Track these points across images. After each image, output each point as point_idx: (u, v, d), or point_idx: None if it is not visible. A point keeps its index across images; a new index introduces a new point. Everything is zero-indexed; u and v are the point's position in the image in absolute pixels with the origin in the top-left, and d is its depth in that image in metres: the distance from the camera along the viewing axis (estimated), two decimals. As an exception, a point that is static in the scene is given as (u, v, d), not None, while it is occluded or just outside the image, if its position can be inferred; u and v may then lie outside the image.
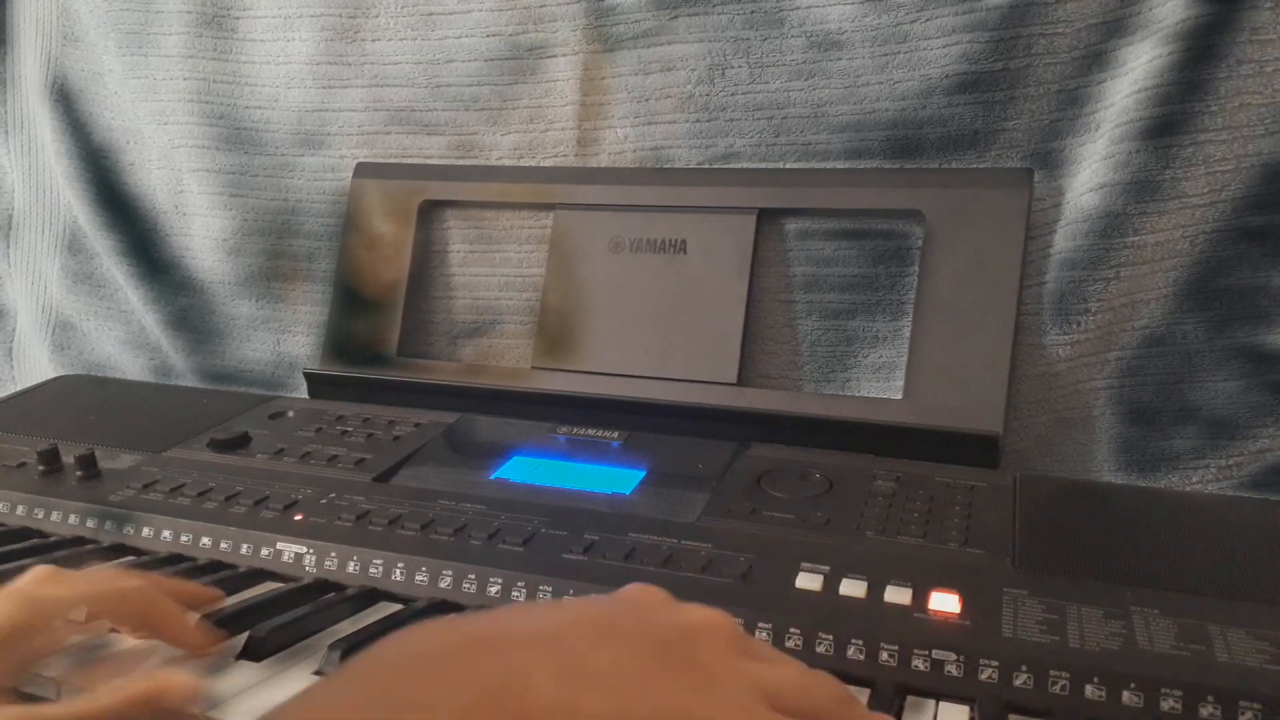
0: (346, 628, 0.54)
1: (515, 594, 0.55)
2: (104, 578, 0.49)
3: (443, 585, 0.57)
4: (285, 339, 0.98)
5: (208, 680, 0.47)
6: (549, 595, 0.55)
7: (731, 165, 0.82)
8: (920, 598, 0.51)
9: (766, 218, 0.79)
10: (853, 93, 0.78)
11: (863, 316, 0.78)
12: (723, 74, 0.81)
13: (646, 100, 0.84)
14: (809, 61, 0.79)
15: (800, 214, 0.79)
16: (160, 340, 1.02)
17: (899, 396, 0.73)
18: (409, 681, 0.26)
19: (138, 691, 0.43)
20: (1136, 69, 0.70)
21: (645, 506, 0.64)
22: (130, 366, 1.05)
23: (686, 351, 0.78)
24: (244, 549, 0.62)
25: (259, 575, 0.61)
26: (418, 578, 0.58)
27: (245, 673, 0.49)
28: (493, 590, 0.56)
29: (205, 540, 0.64)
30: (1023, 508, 0.61)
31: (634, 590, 0.35)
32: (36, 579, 0.47)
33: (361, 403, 0.85)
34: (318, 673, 0.48)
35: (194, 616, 0.50)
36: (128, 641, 0.51)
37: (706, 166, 0.83)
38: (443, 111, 0.91)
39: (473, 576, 0.56)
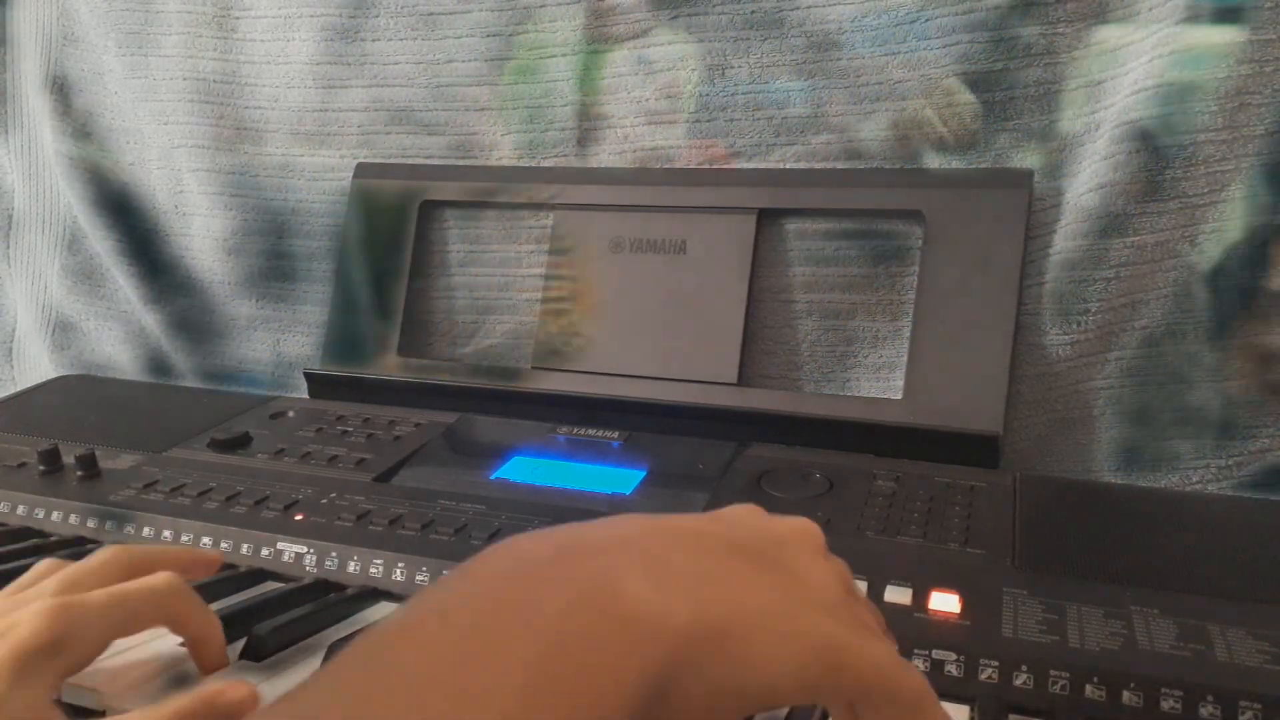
0: (346, 628, 0.54)
1: (515, 594, 0.55)
2: (130, 581, 0.47)
3: (443, 585, 0.57)
4: (285, 339, 0.98)
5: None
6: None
7: (731, 165, 0.82)
8: (920, 598, 0.51)
9: (766, 218, 0.79)
10: (853, 93, 0.78)
11: (863, 316, 0.78)
12: (723, 74, 0.81)
13: (646, 100, 0.84)
14: (809, 61, 0.79)
15: (800, 214, 0.79)
16: (160, 340, 1.02)
17: (899, 396, 0.73)
18: (509, 586, 0.27)
19: (196, 698, 0.42)
20: (1136, 69, 0.70)
21: (645, 506, 0.64)
22: (130, 366, 1.05)
23: (686, 351, 0.78)
24: (244, 549, 0.62)
25: (259, 575, 0.61)
26: (418, 578, 0.58)
27: (245, 673, 0.49)
28: (493, 590, 0.56)
29: (206, 540, 0.64)
30: (1023, 508, 0.61)
31: (724, 509, 0.36)
32: (61, 584, 0.46)
33: (361, 403, 0.85)
34: (318, 673, 0.48)
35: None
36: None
37: (706, 166, 0.83)
38: (443, 111, 0.90)
39: (473, 576, 0.56)
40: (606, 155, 0.86)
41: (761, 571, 0.30)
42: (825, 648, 0.28)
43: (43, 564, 0.49)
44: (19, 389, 1.01)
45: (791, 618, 0.29)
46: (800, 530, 0.34)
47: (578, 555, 0.28)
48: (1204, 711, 0.43)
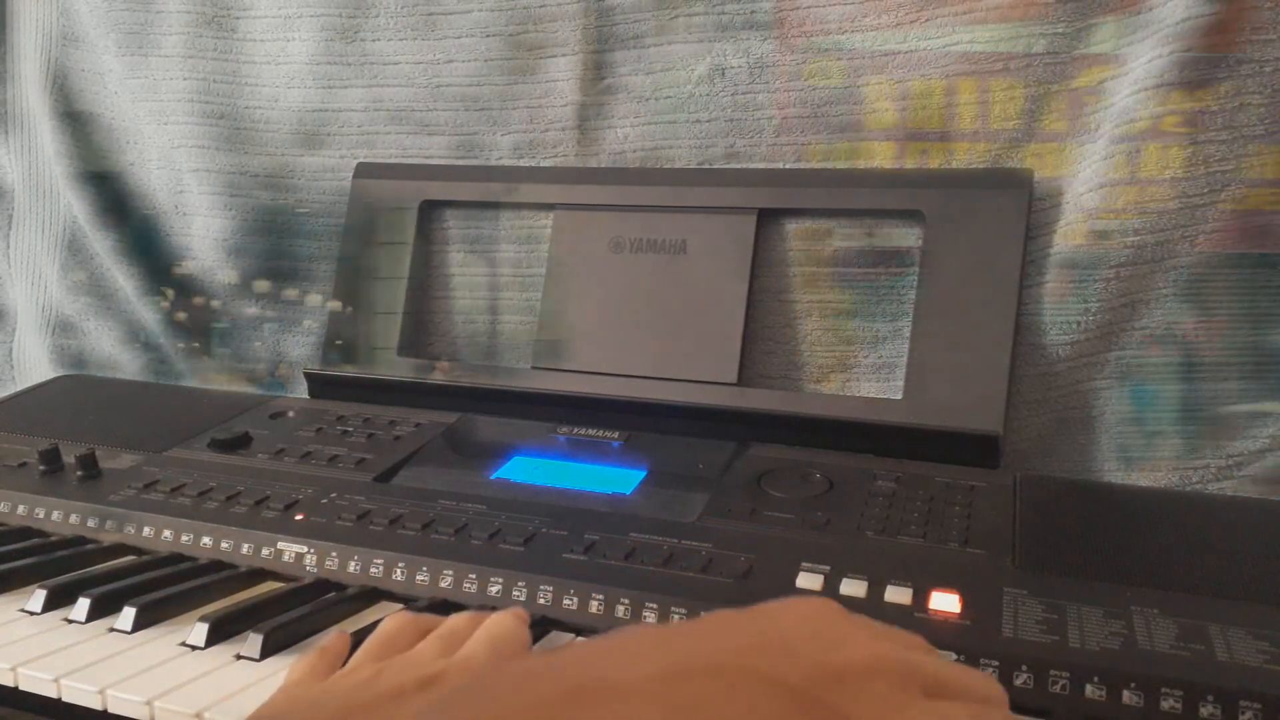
0: (347, 628, 0.54)
1: (515, 594, 0.55)
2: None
3: (443, 585, 0.57)
4: (285, 339, 0.98)
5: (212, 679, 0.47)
6: (549, 595, 0.55)
7: (731, 165, 0.82)
8: (920, 598, 0.51)
9: (766, 218, 0.79)
10: (851, 93, 0.78)
11: (863, 316, 0.78)
12: (723, 74, 0.81)
13: (646, 100, 0.84)
14: (808, 61, 0.79)
15: (800, 214, 0.79)
16: (160, 340, 1.02)
17: (899, 396, 0.73)
18: None
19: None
20: (1136, 69, 0.70)
21: (645, 506, 0.64)
22: (130, 366, 1.05)
23: (686, 351, 0.78)
24: (244, 549, 0.62)
25: (259, 575, 0.61)
26: (418, 578, 0.58)
27: (245, 672, 0.49)
28: (493, 590, 0.56)
29: (206, 540, 0.64)
30: (1023, 508, 0.61)
31: (789, 613, 0.31)
32: (445, 646, 0.42)
33: (361, 403, 0.85)
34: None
35: None
36: None
37: (706, 166, 0.83)
38: (443, 111, 0.90)
39: (473, 576, 0.57)
40: (606, 155, 0.86)
41: None
42: None
43: (398, 620, 0.46)
44: (19, 389, 1.01)
45: None
46: (872, 668, 0.29)
47: (593, 703, 0.24)
48: (1204, 711, 0.43)
